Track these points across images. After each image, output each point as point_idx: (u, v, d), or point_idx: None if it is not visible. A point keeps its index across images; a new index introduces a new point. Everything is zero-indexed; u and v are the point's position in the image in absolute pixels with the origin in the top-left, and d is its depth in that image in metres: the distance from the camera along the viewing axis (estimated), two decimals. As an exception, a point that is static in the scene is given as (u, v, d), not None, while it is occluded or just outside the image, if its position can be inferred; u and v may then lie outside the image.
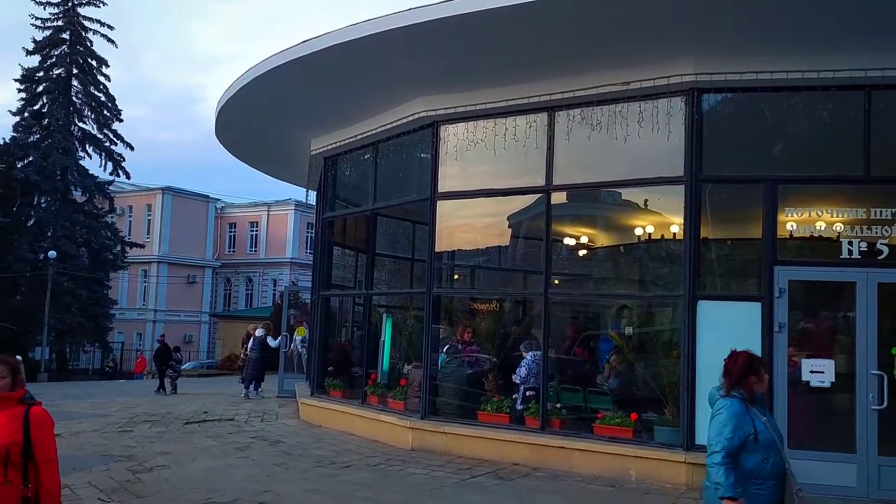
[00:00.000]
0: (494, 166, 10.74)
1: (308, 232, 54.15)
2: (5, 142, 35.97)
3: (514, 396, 10.31)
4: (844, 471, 8.00)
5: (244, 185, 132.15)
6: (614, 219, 12.80)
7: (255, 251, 56.51)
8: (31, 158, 36.47)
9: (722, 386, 4.62)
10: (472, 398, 10.71)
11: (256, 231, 56.59)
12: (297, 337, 17.86)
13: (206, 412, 14.16)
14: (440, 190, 10.92)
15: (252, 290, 57.19)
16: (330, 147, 13.38)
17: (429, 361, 10.80)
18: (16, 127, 37.08)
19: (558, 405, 9.95)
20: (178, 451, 10.15)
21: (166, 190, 51.42)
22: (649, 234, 12.20)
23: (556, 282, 14.91)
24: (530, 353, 10.52)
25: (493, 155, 10.52)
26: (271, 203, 55.60)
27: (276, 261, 54.55)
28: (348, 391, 12.94)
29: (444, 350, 11.56)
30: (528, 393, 10.21)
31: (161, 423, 12.80)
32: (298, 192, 52.85)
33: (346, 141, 12.87)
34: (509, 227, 12.99)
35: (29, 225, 35.95)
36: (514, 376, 10.52)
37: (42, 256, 34.50)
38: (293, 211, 53.90)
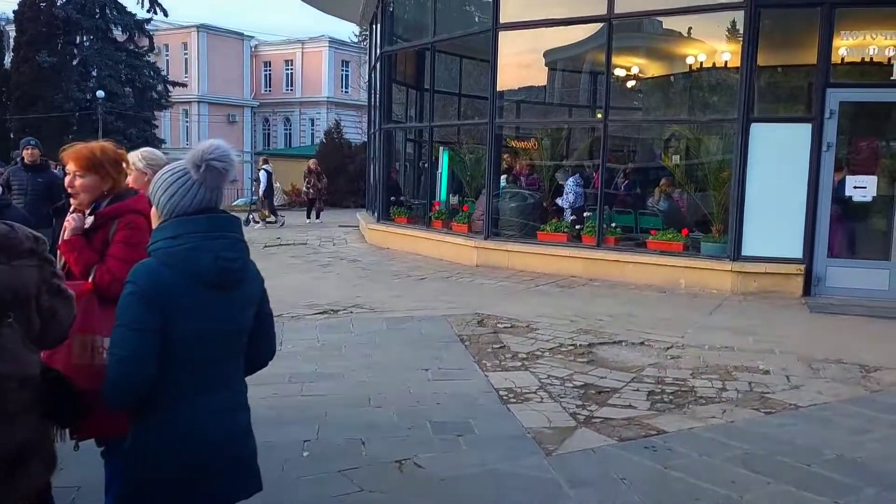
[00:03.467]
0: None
1: (343, 70, 53.73)
2: (43, -21, 35.73)
3: (570, 218, 11.17)
4: (878, 276, 8.87)
5: (272, 20, 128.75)
6: (666, 49, 13.09)
7: (291, 90, 56.28)
8: (69, -5, 36.38)
9: None
10: (530, 221, 11.60)
11: (291, 70, 56.12)
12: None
13: (278, 237, 15.32)
14: (502, 21, 11.26)
15: (290, 129, 57.61)
16: (388, -20, 13.60)
17: (491, 188, 11.62)
18: (51, -38, 36.65)
19: (613, 225, 10.82)
20: (267, 268, 11.10)
21: (201, 28, 50.86)
22: (701, 63, 12.53)
23: (599, 115, 15.44)
24: (570, 178, 11.34)
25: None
26: (305, 40, 54.74)
27: (312, 100, 54.45)
28: (412, 217, 13.94)
29: (504, 179, 12.37)
30: (584, 215, 11.09)
31: (242, 246, 13.98)
32: (331, 29, 51.84)
33: (404, -27, 13.08)
34: (548, 63, 13.36)
35: (74, 64, 36.39)
36: (560, 201, 11.40)
37: (90, 96, 35.20)
38: (327, 48, 53.13)
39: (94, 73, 36.73)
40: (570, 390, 5.57)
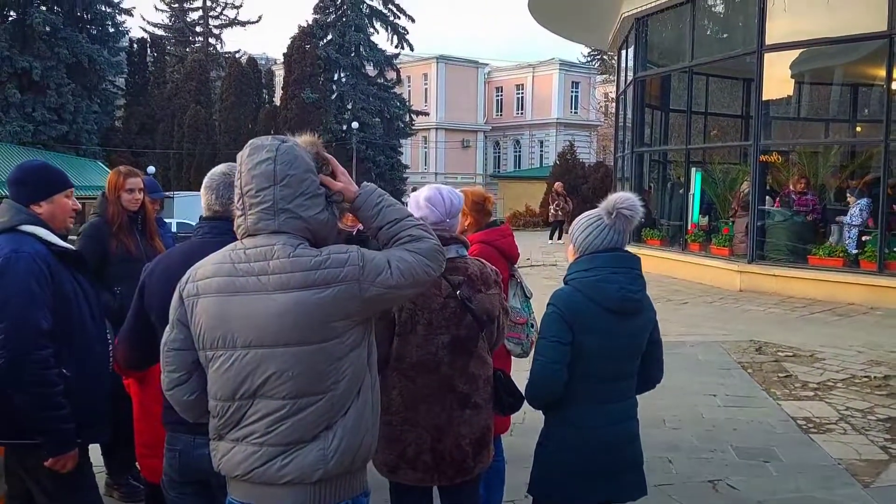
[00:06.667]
0: (825, 14, 10.60)
1: (573, 91, 54.13)
2: (308, 24, 39.82)
3: (847, 241, 10.64)
4: None
5: (502, 45, 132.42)
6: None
7: (522, 113, 57.53)
8: (329, 37, 40.17)
9: None
10: (801, 244, 11.16)
11: (522, 94, 57.45)
12: None
13: (528, 258, 15.93)
14: (768, 43, 11.04)
15: (520, 151, 58.87)
16: (642, 8, 13.78)
17: (755, 209, 11.37)
18: (315, 8, 40.78)
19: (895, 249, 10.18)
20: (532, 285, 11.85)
21: (440, 58, 53.66)
22: None
23: (860, 129, 14.49)
24: (863, 199, 10.71)
25: (825, 1, 10.41)
26: (535, 64, 55.88)
27: (542, 122, 55.36)
28: (664, 239, 13.92)
29: (773, 200, 12.02)
30: (862, 238, 10.52)
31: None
32: (561, 52, 52.23)
33: (660, 0, 13.19)
34: (798, 76, 12.72)
35: (332, 98, 40.10)
36: (846, 219, 10.82)
37: (345, 128, 38.60)
38: (557, 71, 53.85)
39: (350, 107, 40.28)
40: (874, 423, 5.46)
